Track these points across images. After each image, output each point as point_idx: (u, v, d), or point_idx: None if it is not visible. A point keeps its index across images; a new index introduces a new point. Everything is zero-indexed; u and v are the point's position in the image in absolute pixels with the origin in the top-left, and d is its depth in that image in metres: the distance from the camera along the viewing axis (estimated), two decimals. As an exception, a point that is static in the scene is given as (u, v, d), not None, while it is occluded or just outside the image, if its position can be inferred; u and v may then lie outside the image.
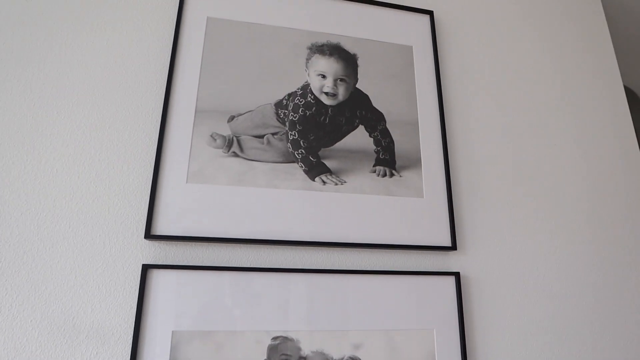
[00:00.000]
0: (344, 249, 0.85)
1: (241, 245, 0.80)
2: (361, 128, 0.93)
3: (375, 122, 0.94)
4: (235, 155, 0.84)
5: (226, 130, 0.85)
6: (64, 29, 0.87)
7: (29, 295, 0.71)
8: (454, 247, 0.87)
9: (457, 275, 0.86)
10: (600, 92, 1.16)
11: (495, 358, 0.85)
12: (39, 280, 0.72)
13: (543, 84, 1.12)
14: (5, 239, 0.73)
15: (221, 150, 0.84)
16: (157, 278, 0.74)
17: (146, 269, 0.74)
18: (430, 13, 1.06)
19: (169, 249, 0.78)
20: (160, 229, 0.77)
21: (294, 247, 0.83)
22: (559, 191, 1.02)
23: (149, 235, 0.76)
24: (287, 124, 0.89)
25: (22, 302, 0.71)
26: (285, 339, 0.75)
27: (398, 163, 0.91)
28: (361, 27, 1.01)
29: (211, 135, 0.84)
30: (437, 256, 0.89)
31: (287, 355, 0.74)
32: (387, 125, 0.94)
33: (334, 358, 0.76)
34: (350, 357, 0.76)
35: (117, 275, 0.75)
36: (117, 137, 0.83)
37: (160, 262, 0.77)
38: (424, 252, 0.88)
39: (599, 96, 1.16)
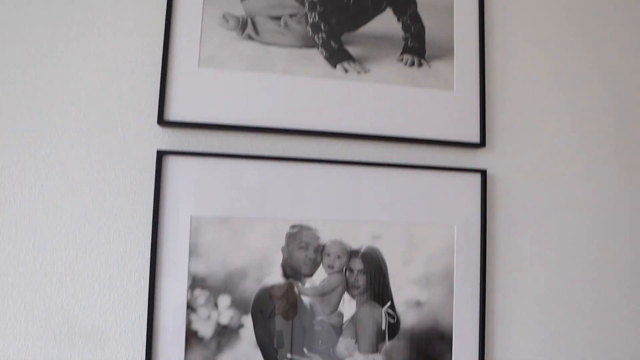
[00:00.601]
0: (364, 141, 0.80)
1: (257, 133, 0.77)
2: (389, 11, 0.83)
3: (405, 4, 0.83)
4: (250, 38, 0.77)
5: (239, 10, 0.77)
6: None
7: (42, 188, 0.71)
8: (482, 144, 0.82)
9: (483, 172, 0.82)
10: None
11: (515, 256, 0.84)
12: (55, 176, 0.72)
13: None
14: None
15: (234, 32, 0.76)
16: (173, 164, 0.72)
17: (161, 155, 0.72)
18: None
19: (183, 136, 0.75)
20: (173, 115, 0.73)
21: (311, 137, 0.78)
22: (594, 101, 0.93)
23: (162, 121, 0.72)
24: (306, 4, 0.79)
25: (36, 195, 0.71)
26: (304, 227, 0.74)
27: (428, 52, 0.83)
28: None
29: (223, 16, 0.76)
30: (464, 153, 0.84)
31: (306, 242, 0.74)
32: (418, 9, 0.84)
33: (352, 247, 0.76)
34: (368, 247, 0.76)
35: (133, 163, 0.73)
36: (122, 17, 0.76)
37: (175, 149, 0.75)
38: (451, 148, 0.83)
39: None
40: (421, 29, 0.83)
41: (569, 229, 0.87)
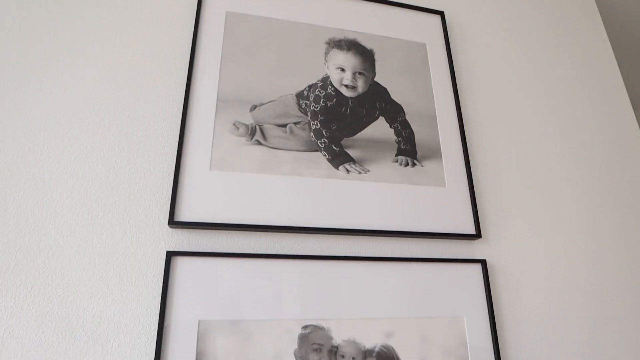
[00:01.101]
0: (369, 237, 0.83)
1: (267, 232, 0.78)
2: (381, 119, 0.93)
3: (394, 113, 0.94)
4: (259, 143, 0.83)
5: (248, 119, 0.85)
6: (85, 24, 0.86)
7: (45, 285, 0.67)
8: (478, 235, 0.87)
9: (483, 262, 0.85)
10: (601, 91, 1.21)
11: (527, 346, 0.83)
12: (57, 270, 0.68)
13: (552, 77, 1.16)
14: (21, 227, 0.70)
15: (244, 138, 0.83)
16: (182, 265, 0.71)
17: (170, 256, 0.71)
18: (441, 13, 1.10)
19: (193, 236, 0.75)
20: (184, 216, 0.74)
21: (319, 234, 0.81)
22: (581, 181, 1.04)
23: (172, 222, 0.73)
24: (309, 114, 0.88)
25: (38, 293, 0.67)
26: (316, 327, 0.72)
27: (419, 153, 0.92)
28: (376, 25, 1.03)
29: (234, 124, 0.83)
30: (462, 244, 0.88)
31: (319, 344, 0.71)
32: (407, 117, 0.95)
33: (366, 346, 0.73)
34: (382, 346, 0.74)
35: (140, 264, 0.72)
36: (138, 124, 0.81)
37: (184, 249, 0.74)
38: (449, 240, 0.87)
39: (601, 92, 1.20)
40: (411, 133, 0.93)
41: (571, 316, 0.89)
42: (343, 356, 0.71)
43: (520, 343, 0.84)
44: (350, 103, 0.92)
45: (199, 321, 0.68)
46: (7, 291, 0.66)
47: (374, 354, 0.73)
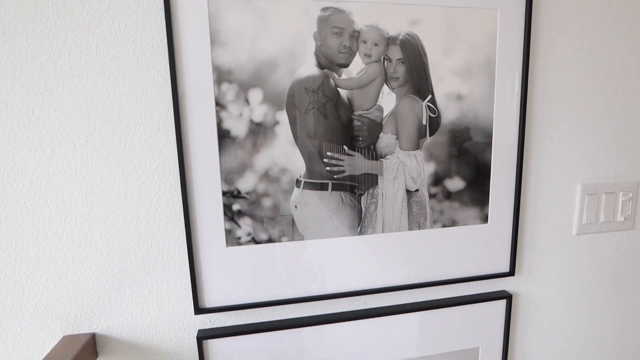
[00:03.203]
0: None
1: None
2: None
3: None
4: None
5: None
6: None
7: None
8: None
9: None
10: None
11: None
12: None
13: None
14: None
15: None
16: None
17: None
18: None
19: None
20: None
21: None
22: None
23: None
24: None
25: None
26: (337, 10, 0.66)
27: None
28: None
29: None
30: None
31: (339, 28, 0.66)
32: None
33: (390, 33, 0.68)
34: (407, 34, 0.69)
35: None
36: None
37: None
38: None
39: None
40: None
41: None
42: (365, 42, 0.67)
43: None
44: None
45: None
46: None
47: (398, 42, 0.68)
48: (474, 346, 0.83)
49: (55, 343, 0.67)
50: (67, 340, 0.68)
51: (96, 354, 0.70)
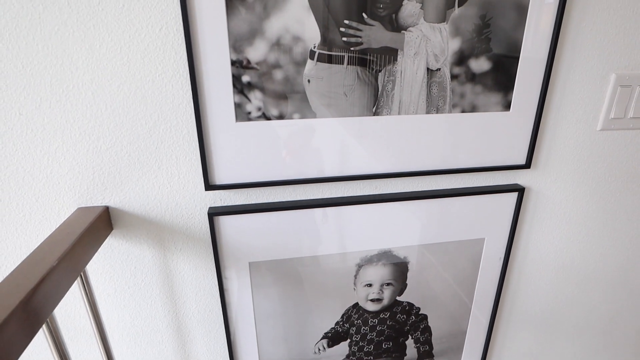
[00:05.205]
0: None
1: None
2: None
3: None
4: None
5: None
6: None
7: None
8: None
9: None
10: None
11: None
12: None
13: None
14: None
15: None
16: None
17: None
18: None
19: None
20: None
21: None
22: None
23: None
24: None
25: None
26: None
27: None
28: None
29: None
30: None
31: None
32: None
33: None
34: None
35: None
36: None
37: None
38: None
39: None
40: None
41: None
42: None
43: None
44: None
45: None
46: None
47: None
48: (480, 237, 0.84)
49: (70, 214, 0.69)
50: (81, 211, 0.69)
51: (111, 227, 0.72)
